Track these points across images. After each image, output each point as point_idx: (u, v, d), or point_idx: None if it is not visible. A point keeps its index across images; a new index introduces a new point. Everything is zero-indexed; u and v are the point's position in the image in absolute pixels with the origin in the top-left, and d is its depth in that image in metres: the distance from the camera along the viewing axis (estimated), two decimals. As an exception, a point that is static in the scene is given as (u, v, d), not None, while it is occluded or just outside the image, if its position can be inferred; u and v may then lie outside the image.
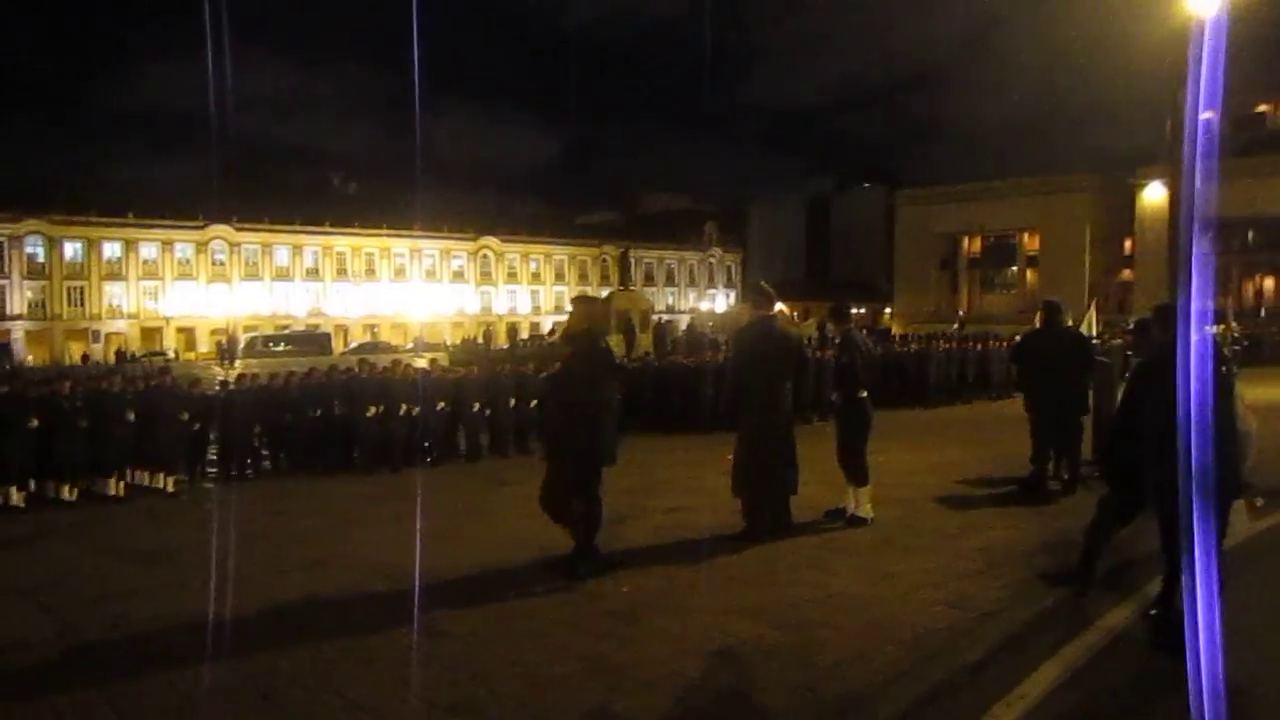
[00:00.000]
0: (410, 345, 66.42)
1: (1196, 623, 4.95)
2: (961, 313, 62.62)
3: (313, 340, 67.95)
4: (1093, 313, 21.03)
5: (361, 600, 6.98)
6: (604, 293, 60.63)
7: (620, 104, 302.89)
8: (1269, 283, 71.76)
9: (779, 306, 9.31)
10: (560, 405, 7.83)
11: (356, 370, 15.42)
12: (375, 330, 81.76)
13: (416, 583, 7.03)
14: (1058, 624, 5.95)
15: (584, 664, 5.36)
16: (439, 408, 15.09)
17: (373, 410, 14.33)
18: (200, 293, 76.03)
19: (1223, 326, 34.07)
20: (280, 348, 62.79)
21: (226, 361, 53.07)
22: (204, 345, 73.16)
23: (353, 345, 70.17)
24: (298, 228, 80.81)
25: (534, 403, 15.35)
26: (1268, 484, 8.43)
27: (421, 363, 22.03)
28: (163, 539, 9.86)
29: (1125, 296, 67.60)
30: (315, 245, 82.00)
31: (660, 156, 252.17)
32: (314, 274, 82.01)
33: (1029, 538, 8.07)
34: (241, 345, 63.45)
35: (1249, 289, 69.76)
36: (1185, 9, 8.53)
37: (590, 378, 7.33)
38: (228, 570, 7.77)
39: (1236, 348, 32.25)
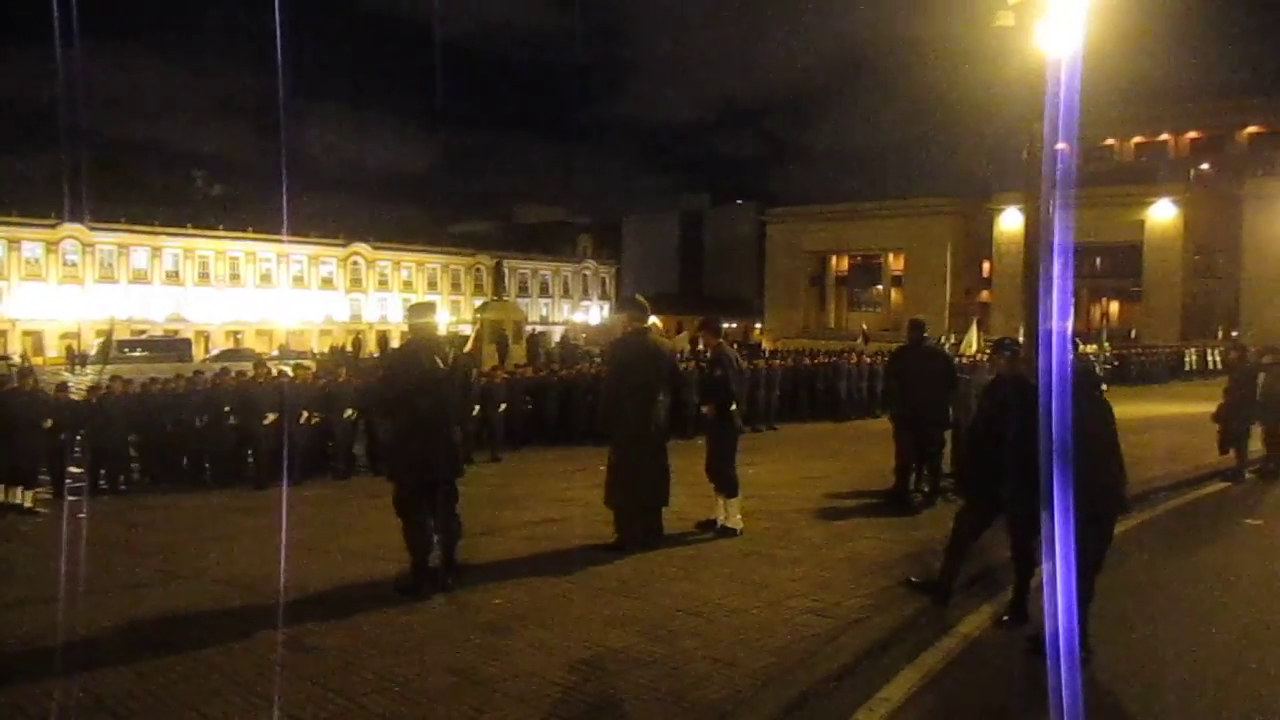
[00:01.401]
0: (275, 353, 64.52)
1: (1056, 627, 5.21)
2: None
3: (172, 346, 65.30)
4: (974, 331, 21.70)
5: (223, 615, 6.76)
6: (477, 303, 60.10)
7: (496, 114, 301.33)
8: (1114, 306, 75.67)
9: (653, 320, 9.39)
10: (384, 418, 7.63)
11: (252, 375, 14.90)
12: (239, 337, 79.06)
13: (281, 597, 6.85)
14: (919, 631, 6.18)
15: (455, 677, 5.31)
16: (345, 416, 14.69)
17: (271, 418, 13.82)
18: (50, 295, 72.27)
19: (1095, 347, 35.80)
20: (137, 354, 60.14)
21: (81, 367, 50.54)
22: (53, 350, 69.46)
23: (215, 352, 67.70)
24: (157, 229, 77.52)
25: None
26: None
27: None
28: (8, 554, 9.37)
29: (984, 316, 70.22)
30: (176, 248, 78.82)
31: (536, 168, 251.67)
32: (174, 277, 78.81)
33: (892, 548, 8.32)
34: (94, 351, 60.53)
35: (1096, 312, 73.35)
36: (1042, 49, 8.97)
37: (410, 389, 7.08)
38: (79, 586, 7.43)
39: (1108, 367, 34.00)
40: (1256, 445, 12.73)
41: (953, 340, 33.99)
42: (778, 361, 22.70)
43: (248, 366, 16.46)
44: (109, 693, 5.20)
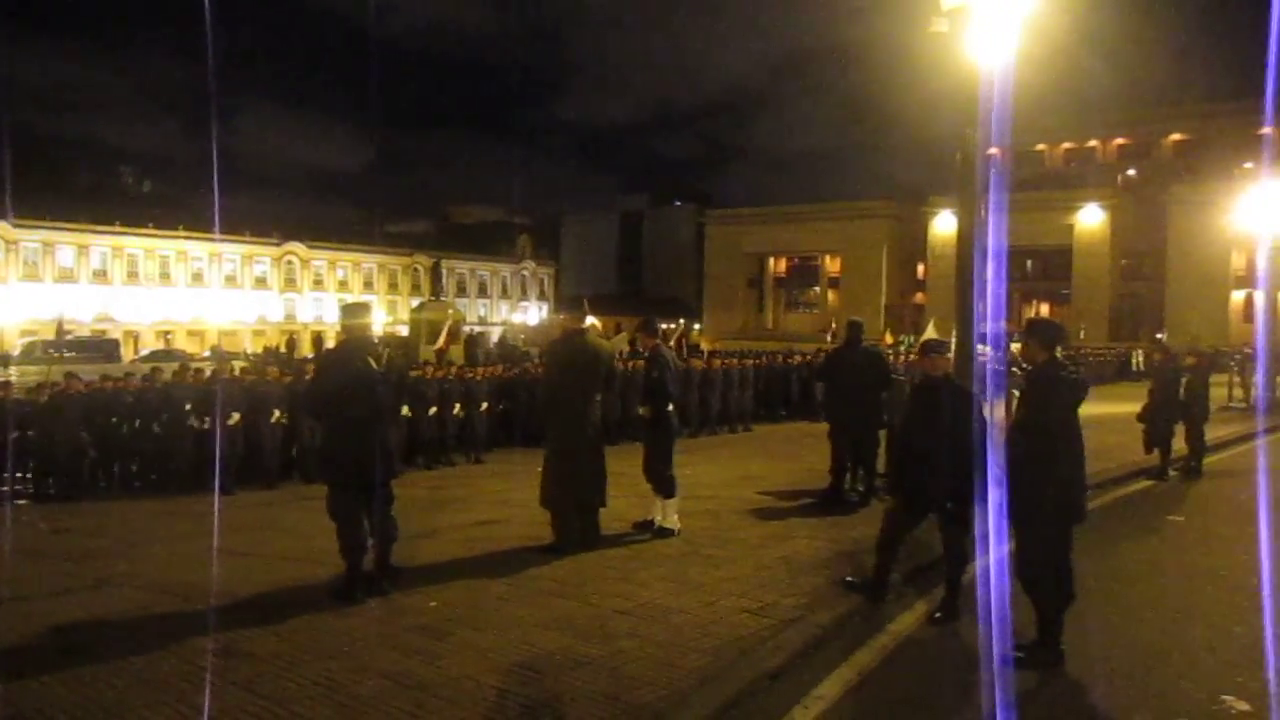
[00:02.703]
0: (206, 353, 63.30)
1: (990, 624, 5.30)
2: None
3: (99, 347, 63.63)
4: (931, 331, 21.79)
5: (154, 621, 6.62)
6: (414, 303, 59.54)
7: (434, 114, 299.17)
8: (1045, 309, 77.23)
9: (591, 320, 9.38)
10: (315, 420, 7.53)
11: (215, 375, 14.53)
12: (169, 337, 77.32)
13: (212, 602, 6.73)
14: (853, 629, 6.26)
15: (390, 681, 5.26)
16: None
17: (236, 418, 13.42)
18: (-30, 294, 70.07)
19: None
20: (63, 354, 58.59)
21: (4, 368, 49.07)
22: (-25, 351, 67.28)
23: (144, 353, 66.12)
24: (84, 226, 75.38)
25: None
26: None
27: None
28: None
29: (918, 318, 71.18)
30: (104, 246, 76.81)
31: (474, 168, 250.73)
32: (102, 276, 76.89)
33: (828, 547, 8.40)
34: (17, 352, 58.81)
35: (1028, 314, 74.78)
36: (974, 58, 9.10)
37: (343, 391, 6.98)
38: (3, 593, 7.25)
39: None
40: (1180, 444, 13.06)
41: (912, 341, 34.25)
42: (750, 361, 22.53)
43: (205, 367, 16.06)
44: (32, 703, 5.06)
